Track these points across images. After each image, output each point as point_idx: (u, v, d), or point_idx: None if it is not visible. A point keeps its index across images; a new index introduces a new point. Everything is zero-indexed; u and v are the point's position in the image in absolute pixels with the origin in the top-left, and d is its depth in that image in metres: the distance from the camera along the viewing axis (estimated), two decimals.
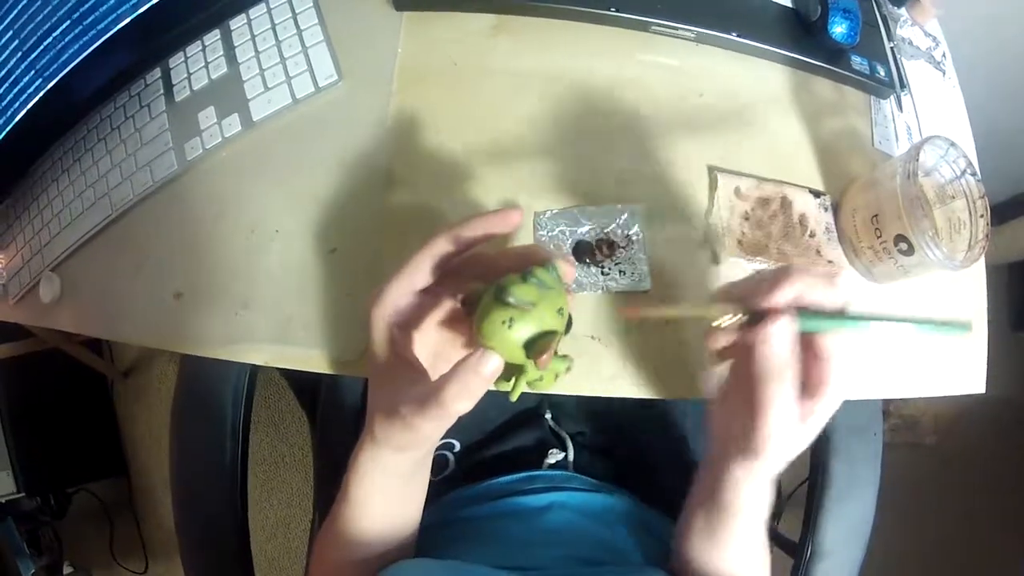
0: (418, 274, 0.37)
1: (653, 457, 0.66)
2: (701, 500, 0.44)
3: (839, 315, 0.34)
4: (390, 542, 0.45)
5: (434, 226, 0.51)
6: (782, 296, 0.34)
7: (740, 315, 0.34)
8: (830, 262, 0.53)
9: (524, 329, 0.33)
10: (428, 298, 0.39)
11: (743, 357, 0.35)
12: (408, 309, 0.39)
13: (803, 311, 0.34)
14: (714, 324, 0.35)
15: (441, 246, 0.37)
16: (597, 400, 0.49)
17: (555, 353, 0.35)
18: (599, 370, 0.49)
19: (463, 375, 0.32)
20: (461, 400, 0.32)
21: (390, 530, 0.44)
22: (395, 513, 0.45)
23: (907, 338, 0.33)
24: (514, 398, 0.37)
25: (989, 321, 0.56)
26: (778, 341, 0.33)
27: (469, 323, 0.36)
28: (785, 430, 0.34)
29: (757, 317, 0.34)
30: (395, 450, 0.40)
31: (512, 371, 0.36)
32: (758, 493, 0.40)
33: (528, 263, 0.35)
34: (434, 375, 0.36)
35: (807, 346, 0.35)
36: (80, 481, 1.44)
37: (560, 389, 0.48)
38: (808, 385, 0.35)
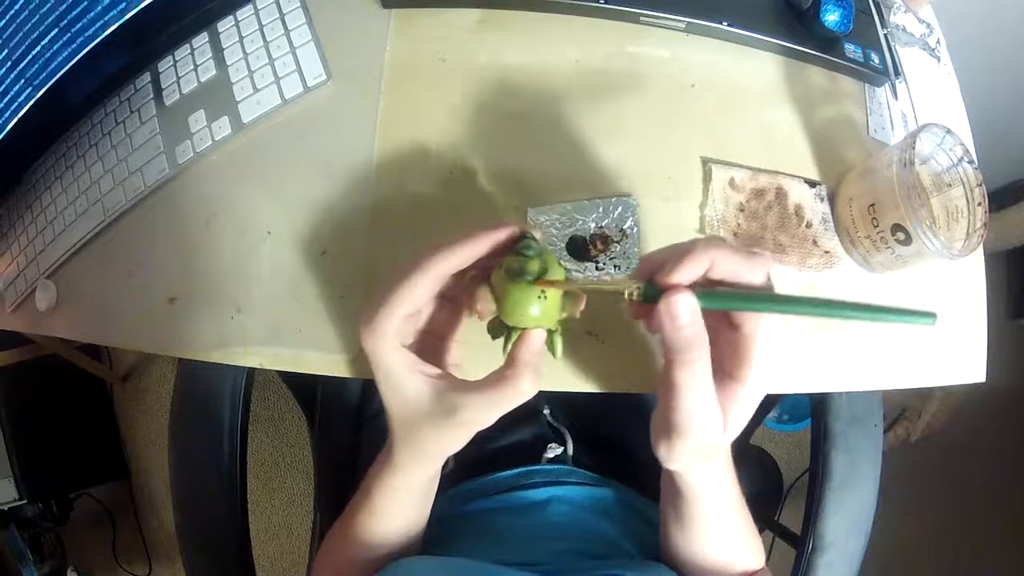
0: (417, 295, 0.36)
1: (650, 449, 0.65)
2: (666, 492, 0.44)
3: (756, 295, 0.32)
4: (406, 542, 0.46)
5: (426, 225, 0.51)
6: (683, 274, 0.32)
7: (638, 288, 0.33)
8: (827, 252, 0.52)
9: (555, 294, 0.35)
10: (428, 309, 0.39)
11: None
12: (410, 326, 0.38)
13: (709, 289, 0.32)
14: (626, 296, 0.33)
15: (441, 266, 0.35)
16: (595, 395, 0.49)
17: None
18: (597, 366, 0.49)
19: (530, 360, 0.35)
20: (536, 383, 0.35)
21: (408, 532, 0.45)
22: (417, 516, 0.46)
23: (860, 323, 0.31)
24: (559, 354, 0.38)
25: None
26: (678, 317, 0.31)
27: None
28: (700, 409, 0.33)
29: (656, 290, 0.32)
30: (439, 458, 0.40)
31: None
32: (709, 475, 0.40)
33: (511, 241, 0.37)
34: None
35: (729, 325, 0.34)
36: (81, 486, 1.45)
37: (559, 385, 0.49)
38: (731, 367, 0.34)
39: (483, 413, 0.35)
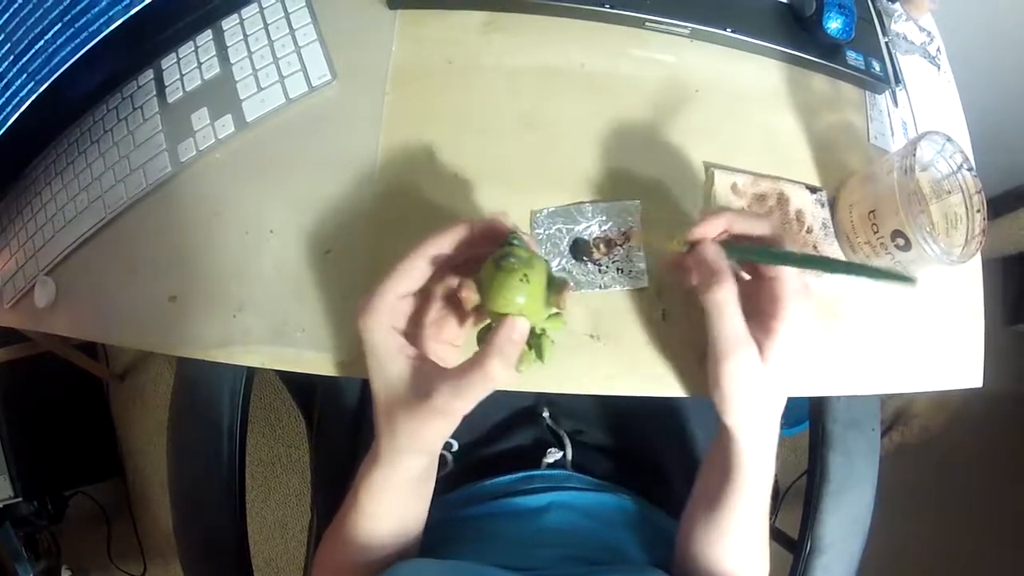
0: (411, 277, 0.38)
1: (652, 454, 0.66)
2: (704, 482, 0.45)
3: (768, 251, 0.41)
4: (400, 544, 0.45)
5: (430, 226, 0.51)
6: (708, 228, 0.41)
7: (682, 245, 0.42)
8: None
9: (538, 277, 0.36)
10: (420, 295, 0.40)
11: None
12: (403, 311, 0.39)
13: (733, 244, 0.41)
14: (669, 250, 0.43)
15: (433, 249, 0.38)
16: (595, 398, 0.49)
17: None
18: (597, 368, 0.49)
19: (502, 346, 0.35)
20: (506, 369, 0.35)
21: (401, 533, 0.45)
22: (407, 516, 0.45)
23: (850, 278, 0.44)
24: (547, 359, 0.39)
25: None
26: (706, 257, 0.40)
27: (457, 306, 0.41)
28: (731, 327, 0.39)
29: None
30: (418, 452, 0.40)
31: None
32: (758, 445, 0.42)
33: (499, 235, 0.39)
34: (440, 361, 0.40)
35: (762, 277, 0.42)
36: (77, 484, 1.44)
37: (559, 387, 0.49)
38: (768, 308, 0.40)
39: (455, 398, 0.35)
